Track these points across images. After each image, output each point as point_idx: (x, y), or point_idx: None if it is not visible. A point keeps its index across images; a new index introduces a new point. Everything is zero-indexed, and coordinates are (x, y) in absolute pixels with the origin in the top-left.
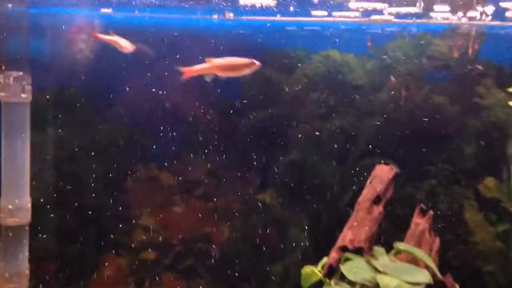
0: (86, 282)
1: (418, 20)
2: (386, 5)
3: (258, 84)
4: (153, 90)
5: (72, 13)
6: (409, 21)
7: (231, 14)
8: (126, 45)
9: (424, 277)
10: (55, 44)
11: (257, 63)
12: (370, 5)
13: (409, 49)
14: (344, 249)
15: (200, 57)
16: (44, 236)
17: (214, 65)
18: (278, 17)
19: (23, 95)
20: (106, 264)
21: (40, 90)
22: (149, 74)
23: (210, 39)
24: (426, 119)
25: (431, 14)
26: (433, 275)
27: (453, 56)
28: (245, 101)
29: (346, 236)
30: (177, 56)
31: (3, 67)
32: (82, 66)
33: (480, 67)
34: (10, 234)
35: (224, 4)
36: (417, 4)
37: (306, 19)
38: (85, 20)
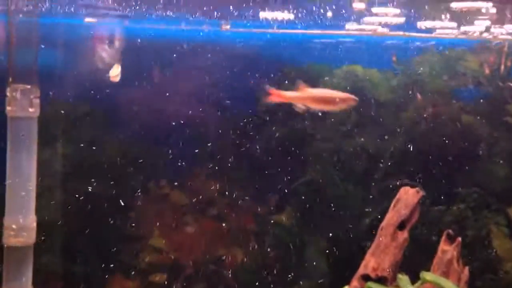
0: None
1: (447, 34)
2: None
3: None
4: (166, 106)
5: (87, 24)
6: (438, 35)
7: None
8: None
9: None
10: (67, 56)
11: (355, 98)
12: (398, 19)
13: (437, 64)
14: (366, 277)
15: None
16: (50, 256)
17: (308, 95)
18: (300, 30)
19: (30, 109)
20: (114, 286)
21: (49, 103)
22: (163, 90)
23: (223, 53)
24: (454, 139)
25: (462, 28)
26: None
27: (484, 72)
28: (263, 118)
29: (369, 264)
30: (193, 70)
31: (11, 80)
32: (94, 79)
33: None
34: (14, 254)
35: (245, 17)
36: (445, 17)
37: (327, 31)
38: (104, 31)
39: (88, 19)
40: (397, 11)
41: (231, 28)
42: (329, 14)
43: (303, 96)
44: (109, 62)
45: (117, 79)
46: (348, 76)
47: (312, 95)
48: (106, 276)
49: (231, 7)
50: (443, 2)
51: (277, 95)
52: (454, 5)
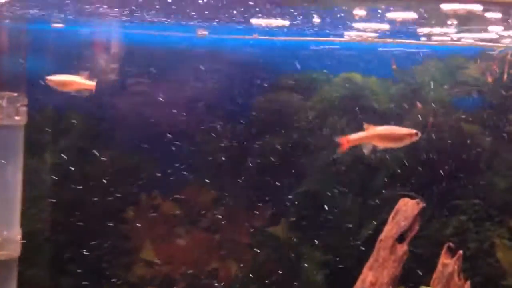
0: None
1: (447, 41)
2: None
3: (272, 108)
4: (157, 115)
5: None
6: (439, 42)
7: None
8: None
9: None
10: (57, 62)
11: (418, 133)
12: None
13: (438, 73)
14: None
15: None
16: (36, 270)
17: (374, 134)
18: (296, 37)
19: (16, 118)
20: None
21: (37, 111)
22: (153, 99)
23: (217, 60)
24: (455, 149)
25: (464, 35)
26: None
27: (486, 81)
28: (258, 127)
29: (367, 278)
30: (184, 77)
31: None
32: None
33: None
34: None
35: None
36: (446, 23)
37: (326, 39)
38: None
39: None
40: (397, 16)
41: (209, 35)
42: (328, 20)
43: (370, 136)
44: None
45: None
46: (347, 84)
47: (378, 134)
48: None
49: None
50: (445, 7)
51: (347, 141)
52: (454, 6)
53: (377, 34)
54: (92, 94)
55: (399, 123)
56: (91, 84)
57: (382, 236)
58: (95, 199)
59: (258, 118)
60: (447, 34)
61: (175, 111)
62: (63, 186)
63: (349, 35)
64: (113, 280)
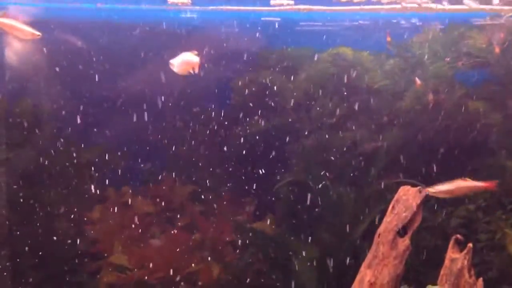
0: None
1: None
2: None
3: (252, 89)
4: (126, 100)
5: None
6: (439, 10)
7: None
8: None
9: None
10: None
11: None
12: None
13: (438, 44)
14: None
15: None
16: None
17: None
18: (278, 7)
19: None
20: None
21: None
22: (122, 77)
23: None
24: (459, 129)
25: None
26: None
27: (493, 52)
28: (238, 110)
29: (365, 278)
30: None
31: None
32: (36, 71)
33: None
34: None
35: None
36: None
37: (312, 7)
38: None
39: None
40: None
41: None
42: None
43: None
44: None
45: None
46: (336, 60)
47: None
48: None
49: None
50: None
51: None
52: None
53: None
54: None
55: (395, 102)
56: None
57: (380, 229)
58: (56, 197)
59: (237, 102)
60: None
61: (147, 96)
62: (21, 183)
63: (337, 3)
64: None
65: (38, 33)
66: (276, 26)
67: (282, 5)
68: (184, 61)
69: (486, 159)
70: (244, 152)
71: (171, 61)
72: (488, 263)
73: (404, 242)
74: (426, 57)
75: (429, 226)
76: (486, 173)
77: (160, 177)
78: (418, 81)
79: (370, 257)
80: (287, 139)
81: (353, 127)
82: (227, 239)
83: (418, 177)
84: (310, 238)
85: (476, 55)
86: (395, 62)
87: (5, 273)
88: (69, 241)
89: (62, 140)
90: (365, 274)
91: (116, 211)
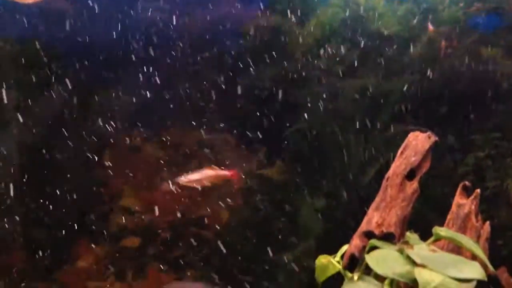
0: (57, 274)
1: None
2: None
3: (262, 35)
4: (134, 39)
5: None
6: None
7: None
8: None
9: (474, 271)
10: None
11: None
12: None
13: None
14: (369, 234)
15: None
16: (3, 222)
17: None
18: None
19: None
20: (80, 252)
21: None
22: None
23: None
24: (472, 76)
25: None
26: (484, 269)
27: None
28: (248, 57)
29: (372, 219)
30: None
31: None
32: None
33: None
34: None
35: None
36: None
37: None
38: None
39: None
40: None
41: None
42: None
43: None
44: None
45: None
46: (346, 5)
47: None
48: (72, 242)
49: None
50: None
51: None
52: None
53: None
54: None
55: (407, 48)
56: None
57: (389, 173)
58: (66, 141)
59: (245, 48)
60: None
61: (155, 43)
62: (29, 127)
63: None
64: (90, 231)
65: None
66: None
67: None
68: None
69: (498, 107)
70: (253, 99)
71: None
72: (496, 210)
73: (413, 185)
74: (438, 2)
75: (437, 173)
76: (497, 121)
77: (170, 123)
78: (430, 27)
79: (378, 200)
80: (297, 85)
81: (364, 74)
82: (236, 185)
83: (428, 124)
84: (319, 182)
85: (490, 0)
86: (408, 7)
87: (17, 217)
88: (80, 184)
89: (70, 78)
90: (372, 216)
91: (125, 155)
